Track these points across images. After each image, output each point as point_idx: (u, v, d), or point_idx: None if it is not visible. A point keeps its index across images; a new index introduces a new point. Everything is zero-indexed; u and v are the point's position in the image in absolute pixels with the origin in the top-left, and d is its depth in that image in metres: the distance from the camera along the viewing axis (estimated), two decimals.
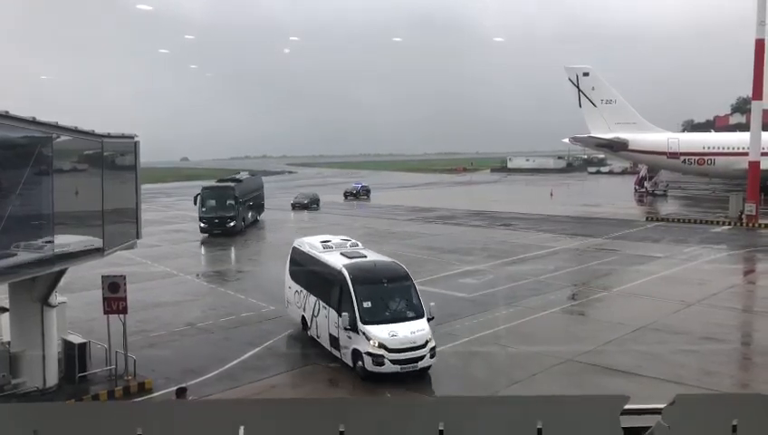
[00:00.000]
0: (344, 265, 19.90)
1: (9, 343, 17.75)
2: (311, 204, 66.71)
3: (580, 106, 73.23)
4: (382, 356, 17.91)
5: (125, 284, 18.37)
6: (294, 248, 24.34)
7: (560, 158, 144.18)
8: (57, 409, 4.41)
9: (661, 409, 3.39)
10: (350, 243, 23.36)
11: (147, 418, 3.27)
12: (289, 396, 17.22)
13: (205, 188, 50.01)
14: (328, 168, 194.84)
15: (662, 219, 53.59)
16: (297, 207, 65.36)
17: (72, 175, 18.29)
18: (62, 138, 16.57)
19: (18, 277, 15.66)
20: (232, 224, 46.84)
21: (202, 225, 46.94)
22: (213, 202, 47.68)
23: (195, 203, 48.35)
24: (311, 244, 23.35)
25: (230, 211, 47.13)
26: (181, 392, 14.65)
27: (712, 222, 50.62)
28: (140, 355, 19.13)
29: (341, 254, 21.47)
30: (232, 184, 51.12)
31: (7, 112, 13.96)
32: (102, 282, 18.39)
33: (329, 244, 22.96)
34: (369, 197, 79.32)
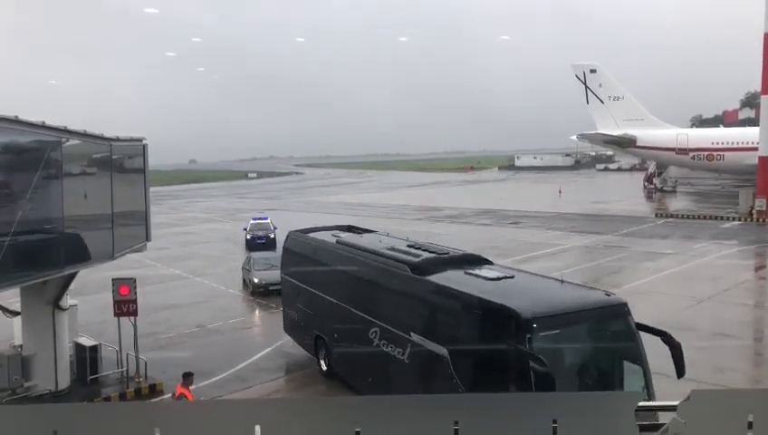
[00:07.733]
0: None
1: (21, 346, 17.88)
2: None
3: (588, 103, 73.06)
4: None
5: (135, 286, 18.45)
6: None
7: (568, 155, 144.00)
8: (77, 409, 4.43)
9: (676, 405, 3.38)
10: None
11: (164, 418, 3.28)
12: (301, 396, 17.26)
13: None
14: (336, 168, 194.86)
15: (672, 216, 53.28)
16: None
17: (81, 178, 18.37)
18: (72, 142, 16.65)
19: (30, 281, 15.75)
20: None
21: None
22: None
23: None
24: None
25: None
26: (187, 376, 14.62)
27: (722, 218, 50.35)
28: (151, 357, 19.19)
29: None
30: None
31: (17, 117, 14.04)
32: (113, 285, 18.49)
33: None
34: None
